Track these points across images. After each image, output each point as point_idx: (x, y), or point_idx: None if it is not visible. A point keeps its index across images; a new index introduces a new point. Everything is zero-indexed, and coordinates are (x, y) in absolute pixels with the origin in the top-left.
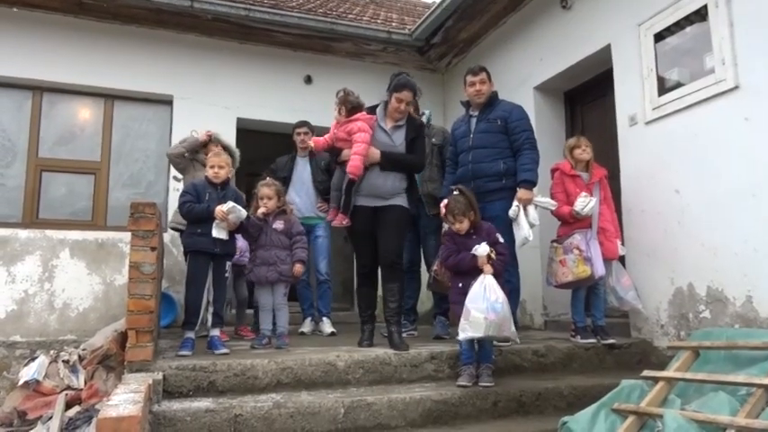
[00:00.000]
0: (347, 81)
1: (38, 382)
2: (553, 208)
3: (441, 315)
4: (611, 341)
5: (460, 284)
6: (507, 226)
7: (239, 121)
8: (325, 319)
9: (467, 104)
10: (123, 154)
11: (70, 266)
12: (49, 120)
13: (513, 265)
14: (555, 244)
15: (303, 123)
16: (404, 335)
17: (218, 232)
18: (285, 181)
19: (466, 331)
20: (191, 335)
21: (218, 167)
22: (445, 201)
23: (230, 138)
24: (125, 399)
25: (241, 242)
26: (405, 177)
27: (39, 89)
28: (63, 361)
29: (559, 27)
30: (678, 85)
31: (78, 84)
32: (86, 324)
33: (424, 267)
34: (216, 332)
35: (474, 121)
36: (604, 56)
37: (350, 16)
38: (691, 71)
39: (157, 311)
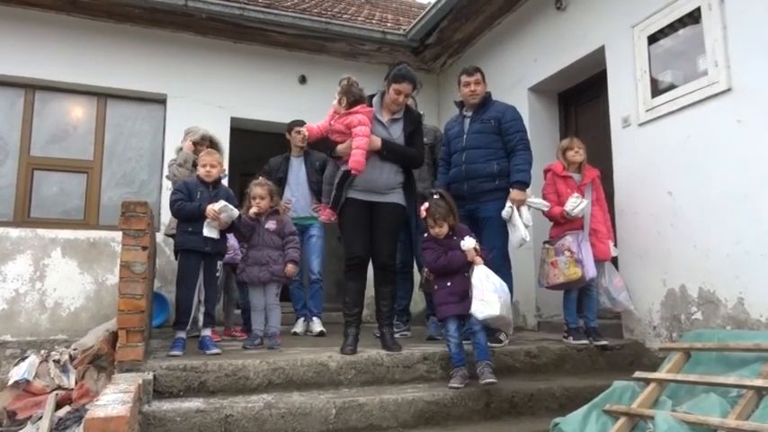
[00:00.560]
0: None
1: (28, 381)
2: (546, 209)
3: (434, 316)
4: (603, 342)
5: (449, 283)
6: (501, 227)
7: (233, 120)
8: (315, 318)
9: (460, 105)
10: (116, 153)
11: (62, 266)
12: (42, 118)
13: (505, 266)
14: (547, 245)
15: (299, 123)
16: (397, 335)
17: (209, 231)
18: (281, 182)
19: (482, 311)
20: (182, 335)
21: (210, 166)
22: (426, 204)
23: (224, 137)
24: (114, 399)
25: (232, 240)
26: (401, 171)
27: (31, 87)
28: (54, 361)
29: (554, 28)
30: (671, 86)
31: (71, 82)
32: (78, 324)
33: (416, 268)
34: (207, 332)
35: (467, 121)
36: (598, 57)
37: (345, 16)
38: (684, 73)
39: (149, 311)
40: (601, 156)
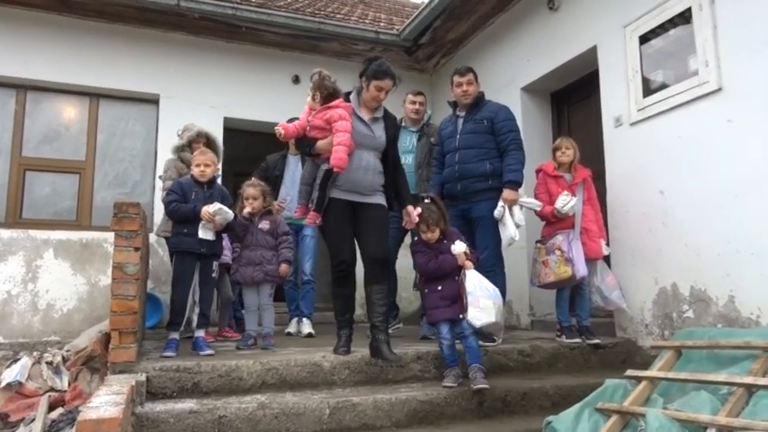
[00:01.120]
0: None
1: (20, 383)
2: (538, 208)
3: None
4: (596, 341)
5: (440, 287)
6: (494, 227)
7: (226, 120)
8: (305, 319)
9: (454, 105)
10: (109, 153)
11: (54, 267)
12: (33, 118)
13: (499, 265)
14: (538, 244)
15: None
16: (390, 330)
17: (204, 233)
18: (277, 179)
19: (480, 319)
20: (175, 336)
21: (204, 166)
22: (419, 209)
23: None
24: (106, 400)
25: (225, 240)
26: (382, 173)
27: (22, 87)
28: (46, 362)
29: (546, 28)
30: (663, 86)
31: (63, 82)
32: (70, 325)
33: (400, 266)
34: (201, 333)
35: (461, 121)
36: (590, 57)
37: (338, 16)
38: (675, 73)
39: (141, 312)
40: (593, 155)
